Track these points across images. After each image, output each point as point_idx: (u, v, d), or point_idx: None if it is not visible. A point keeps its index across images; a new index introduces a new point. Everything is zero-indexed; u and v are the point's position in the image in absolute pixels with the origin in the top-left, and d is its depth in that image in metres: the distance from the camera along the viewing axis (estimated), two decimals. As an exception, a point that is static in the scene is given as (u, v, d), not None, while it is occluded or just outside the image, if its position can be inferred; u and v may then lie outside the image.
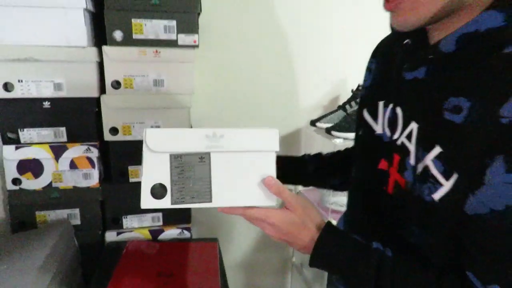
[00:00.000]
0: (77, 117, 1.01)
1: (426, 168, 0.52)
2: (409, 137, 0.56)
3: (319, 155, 0.86)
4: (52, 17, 0.93)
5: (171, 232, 1.14)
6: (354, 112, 1.26)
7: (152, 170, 0.56)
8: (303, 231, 0.57)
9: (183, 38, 1.01)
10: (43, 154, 1.01)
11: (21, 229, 1.04)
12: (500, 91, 0.44)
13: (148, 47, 1.00)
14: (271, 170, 0.59)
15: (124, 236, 1.11)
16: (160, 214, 1.14)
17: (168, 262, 1.00)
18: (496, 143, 0.44)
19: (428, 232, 0.54)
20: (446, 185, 0.50)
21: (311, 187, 1.40)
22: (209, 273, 0.96)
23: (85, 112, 1.02)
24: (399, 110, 0.59)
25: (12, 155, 0.99)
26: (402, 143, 0.57)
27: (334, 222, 0.66)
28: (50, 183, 1.03)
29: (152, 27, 0.99)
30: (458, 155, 0.48)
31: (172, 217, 1.15)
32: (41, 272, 0.83)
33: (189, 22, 1.00)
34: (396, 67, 0.61)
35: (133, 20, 0.98)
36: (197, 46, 1.03)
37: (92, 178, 1.05)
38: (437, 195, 0.51)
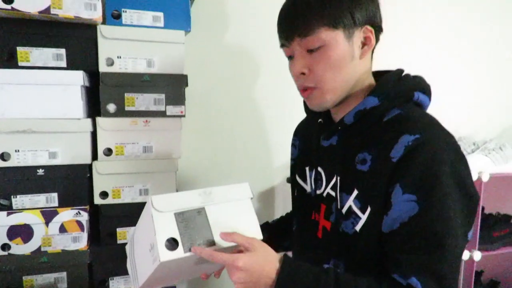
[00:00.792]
0: (69, 182, 1.07)
1: (349, 208, 0.71)
2: (333, 188, 0.76)
3: (267, 225, 1.00)
4: (52, 92, 1.02)
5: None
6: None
7: (163, 228, 0.66)
8: (267, 267, 0.64)
9: (171, 109, 1.12)
10: (34, 219, 1.05)
11: (7, 295, 1.04)
12: (387, 143, 0.66)
13: (139, 118, 1.10)
14: (251, 212, 0.74)
15: (110, 298, 1.13)
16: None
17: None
18: (392, 175, 0.65)
19: (347, 261, 0.72)
20: (363, 218, 0.69)
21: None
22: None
23: (77, 178, 1.08)
24: (321, 170, 0.80)
25: (3, 221, 1.02)
26: (328, 193, 0.77)
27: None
28: (39, 248, 1.06)
29: (143, 100, 1.10)
30: (369, 193, 0.68)
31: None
32: None
33: (176, 95, 1.12)
34: (315, 139, 0.83)
35: (126, 94, 1.09)
36: (183, 116, 1.14)
37: (81, 241, 1.09)
38: (358, 227, 0.70)
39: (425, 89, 0.75)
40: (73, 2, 0.97)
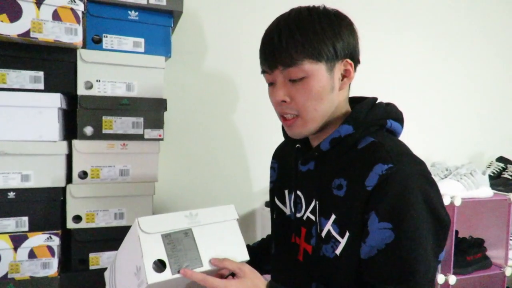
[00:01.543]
0: (42, 206, 1.05)
1: (328, 232, 0.73)
2: (312, 211, 0.77)
3: (248, 247, 1.00)
4: (28, 115, 1.01)
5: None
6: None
7: (150, 249, 0.66)
8: None
9: (149, 133, 1.13)
10: (2, 245, 1.01)
11: (-33, 326, 0.99)
12: (362, 171, 0.69)
13: (116, 141, 1.10)
14: (237, 233, 0.75)
15: (79, 328, 1.09)
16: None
17: None
18: (368, 203, 0.67)
19: (329, 285, 0.74)
20: (342, 242, 0.71)
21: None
22: None
23: (50, 202, 1.05)
24: (300, 194, 0.82)
25: (-32, 247, 0.99)
26: (308, 217, 0.79)
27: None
28: (6, 274, 1.02)
29: (121, 123, 1.10)
30: (346, 218, 0.71)
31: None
32: None
33: (155, 119, 1.13)
34: (293, 164, 0.85)
35: (103, 117, 1.09)
36: (162, 139, 1.14)
37: (51, 267, 1.05)
38: (338, 251, 0.72)
39: (398, 117, 0.78)
40: (53, 26, 0.99)
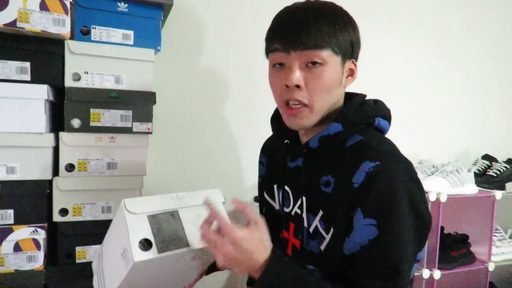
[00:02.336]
0: (27, 199, 1.03)
1: (316, 228, 0.75)
2: (300, 207, 0.78)
3: None
4: (14, 106, 1.00)
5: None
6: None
7: (136, 229, 0.66)
8: (260, 249, 0.65)
9: (138, 126, 1.12)
10: (-14, 238, 1.00)
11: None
12: (349, 168, 0.70)
13: (104, 134, 1.09)
14: (225, 215, 0.72)
15: (65, 322, 1.08)
16: None
17: None
18: (354, 200, 0.68)
19: None
20: (327, 238, 0.72)
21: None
22: None
23: (36, 194, 1.04)
24: (288, 189, 0.83)
25: (-48, 239, 0.97)
26: (296, 212, 0.80)
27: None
28: (-10, 268, 1.01)
29: (109, 116, 1.09)
30: (331, 214, 0.72)
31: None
32: None
33: (144, 112, 1.12)
34: (282, 159, 0.85)
35: (91, 110, 1.08)
36: (150, 133, 1.14)
37: (36, 260, 1.04)
38: (322, 246, 0.73)
39: (385, 114, 0.80)
40: (41, 16, 0.97)
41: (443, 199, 1.46)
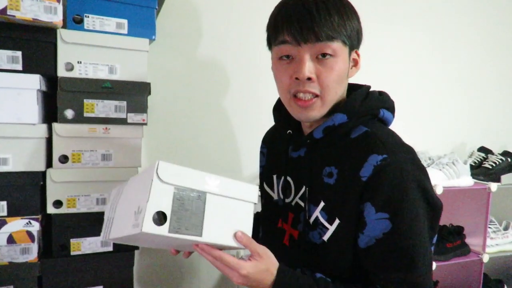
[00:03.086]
0: (21, 190, 1.02)
1: (316, 218, 0.74)
2: (302, 198, 0.78)
3: None
4: (5, 96, 0.98)
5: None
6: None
7: (158, 198, 0.62)
8: (267, 276, 0.68)
9: (132, 117, 1.11)
10: (-21, 230, 0.99)
11: None
12: (355, 161, 0.69)
13: (98, 125, 1.07)
14: (249, 217, 0.71)
15: (60, 314, 1.07)
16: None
17: None
18: (363, 194, 0.68)
19: (314, 270, 0.74)
20: (331, 228, 0.72)
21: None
22: None
23: (30, 186, 1.03)
24: (290, 180, 0.82)
25: None
26: (296, 203, 0.80)
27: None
28: (-17, 260, 1.00)
29: (103, 107, 1.07)
30: (335, 206, 0.72)
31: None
32: None
33: (139, 103, 1.11)
34: (283, 149, 0.84)
35: (85, 101, 1.06)
36: (145, 124, 1.12)
37: (30, 253, 1.03)
38: (326, 237, 0.73)
39: (390, 106, 0.79)
40: (32, 4, 0.95)
41: (439, 191, 1.47)
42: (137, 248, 1.15)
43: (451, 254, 1.58)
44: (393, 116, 0.80)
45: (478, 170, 1.73)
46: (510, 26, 2.04)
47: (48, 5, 0.96)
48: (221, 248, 0.68)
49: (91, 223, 1.08)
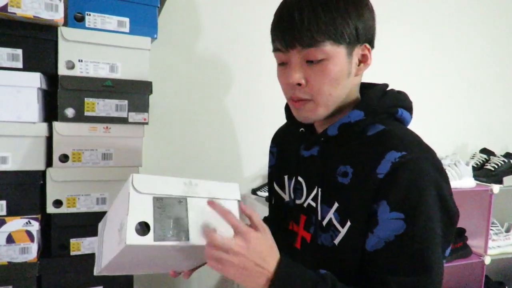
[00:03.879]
0: (20, 190, 1.01)
1: (329, 220, 0.70)
2: (314, 199, 0.74)
3: None
4: (5, 95, 0.97)
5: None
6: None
7: (137, 209, 0.61)
8: (270, 253, 0.62)
9: (134, 116, 1.10)
10: (-22, 229, 0.98)
11: None
12: (372, 158, 0.66)
13: (99, 124, 1.07)
14: (235, 213, 0.68)
15: (59, 314, 1.06)
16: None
17: None
18: (378, 192, 0.64)
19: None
20: (342, 231, 0.68)
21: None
22: None
23: (29, 185, 1.02)
24: (301, 180, 0.78)
25: None
26: (309, 204, 0.75)
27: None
28: (-18, 260, 0.99)
29: (104, 106, 1.06)
30: (349, 207, 0.67)
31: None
32: None
33: (140, 102, 1.10)
34: (294, 148, 0.81)
35: (86, 99, 1.05)
36: (147, 123, 1.11)
37: (30, 252, 1.02)
38: (336, 240, 0.69)
39: (408, 106, 0.76)
40: (32, 1, 0.94)
41: (441, 192, 1.46)
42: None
43: (452, 256, 1.57)
44: (411, 117, 0.76)
45: (480, 172, 1.72)
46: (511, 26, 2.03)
47: (49, 3, 0.95)
48: None
49: (91, 223, 1.07)
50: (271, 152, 0.93)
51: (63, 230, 1.07)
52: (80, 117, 1.05)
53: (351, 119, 0.69)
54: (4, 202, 1.00)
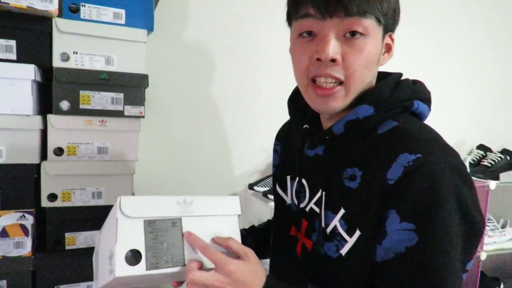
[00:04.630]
0: (14, 183, 1.00)
1: (334, 228, 0.63)
2: (317, 203, 0.67)
3: (254, 230, 0.92)
4: (-2, 87, 0.95)
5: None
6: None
7: (127, 236, 0.56)
8: (255, 280, 0.58)
9: (130, 110, 1.08)
10: (-28, 223, 0.97)
11: None
12: (383, 161, 0.58)
13: (94, 117, 1.05)
14: (235, 232, 0.64)
15: (54, 309, 1.06)
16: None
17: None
18: (387, 199, 0.56)
19: (324, 285, 0.64)
20: (350, 241, 0.60)
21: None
22: None
23: (24, 179, 1.01)
24: (304, 182, 0.71)
25: None
26: (311, 208, 0.68)
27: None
28: (-24, 254, 0.98)
29: (100, 99, 1.05)
30: (357, 214, 0.60)
31: None
32: None
33: (136, 95, 1.08)
34: (299, 147, 0.73)
35: (81, 92, 1.03)
36: (143, 117, 1.10)
37: (24, 247, 1.01)
38: (343, 251, 0.61)
39: (426, 97, 0.67)
40: (26, -9, 0.92)
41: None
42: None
43: (449, 252, 1.58)
44: (429, 110, 0.68)
45: (477, 168, 1.72)
46: (510, 25, 2.02)
47: (43, -7, 0.94)
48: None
49: (87, 217, 1.06)
50: (275, 150, 0.86)
51: (58, 224, 1.06)
52: (75, 110, 1.03)
53: (359, 115, 0.61)
54: (-2, 196, 0.99)
